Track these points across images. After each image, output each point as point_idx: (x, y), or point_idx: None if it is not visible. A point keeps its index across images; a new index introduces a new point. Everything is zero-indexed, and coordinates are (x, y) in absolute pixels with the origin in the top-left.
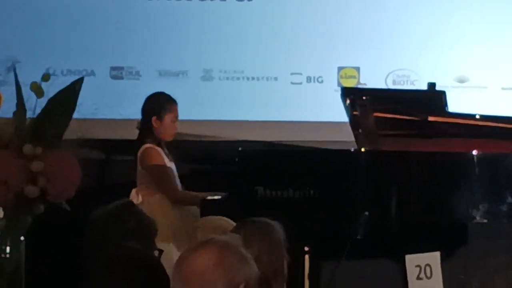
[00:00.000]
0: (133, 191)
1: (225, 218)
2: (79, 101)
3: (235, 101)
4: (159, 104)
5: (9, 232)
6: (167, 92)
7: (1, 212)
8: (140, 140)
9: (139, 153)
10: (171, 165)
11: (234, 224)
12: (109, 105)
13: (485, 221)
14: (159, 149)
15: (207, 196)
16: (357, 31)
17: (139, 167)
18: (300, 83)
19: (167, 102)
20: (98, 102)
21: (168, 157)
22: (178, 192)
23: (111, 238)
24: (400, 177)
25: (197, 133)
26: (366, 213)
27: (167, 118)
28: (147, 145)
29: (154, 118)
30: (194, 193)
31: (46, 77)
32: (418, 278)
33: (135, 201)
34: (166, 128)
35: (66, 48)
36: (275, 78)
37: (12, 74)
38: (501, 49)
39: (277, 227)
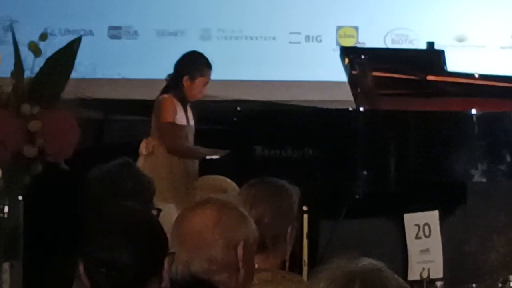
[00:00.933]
0: (144, 141)
1: (224, 177)
2: (77, 60)
3: (234, 61)
4: (195, 65)
5: (8, 192)
6: (165, 51)
7: None
8: (164, 92)
9: (155, 102)
10: (191, 122)
11: (233, 183)
12: (108, 64)
13: (484, 180)
14: (176, 102)
15: (206, 152)
16: None
17: (153, 116)
18: (299, 43)
19: (203, 64)
20: (96, 61)
21: (189, 115)
22: (176, 143)
23: (109, 197)
24: (399, 136)
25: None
26: (365, 172)
27: (199, 81)
28: (165, 95)
29: (186, 77)
30: (194, 147)
31: (44, 37)
32: (417, 237)
33: (144, 151)
34: (195, 90)
35: (64, 7)
36: (274, 38)
37: (10, 34)
38: (500, 8)
39: (292, 192)
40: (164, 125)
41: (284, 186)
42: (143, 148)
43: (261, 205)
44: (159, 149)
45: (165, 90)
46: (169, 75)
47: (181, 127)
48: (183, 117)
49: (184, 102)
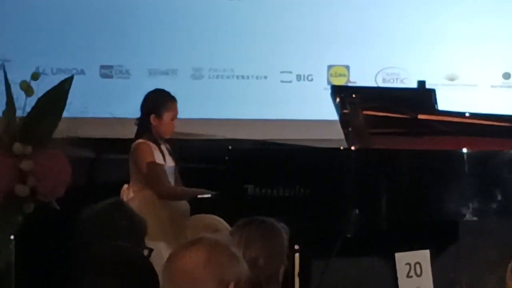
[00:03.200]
0: (125, 186)
1: (215, 216)
2: (69, 100)
3: (225, 100)
4: (158, 102)
5: None
6: None
7: None
8: (137, 137)
9: (131, 148)
10: (169, 162)
11: (224, 222)
12: (99, 104)
13: (475, 219)
14: (152, 144)
15: (196, 192)
16: (347, 30)
17: (130, 162)
18: (290, 82)
19: (166, 99)
20: (88, 101)
21: (165, 155)
22: (164, 187)
23: (101, 237)
24: (390, 175)
25: (187, 131)
26: (356, 211)
27: (166, 116)
28: (140, 140)
29: (152, 116)
30: (182, 188)
31: (35, 76)
32: (408, 276)
33: (125, 197)
34: (164, 126)
35: (56, 46)
36: (265, 77)
37: (1, 73)
38: (490, 47)
39: (283, 231)
40: (147, 169)
41: (275, 224)
42: (124, 194)
43: (255, 247)
44: (140, 193)
45: (137, 135)
46: (137, 119)
47: (160, 165)
48: (161, 159)
49: (157, 143)
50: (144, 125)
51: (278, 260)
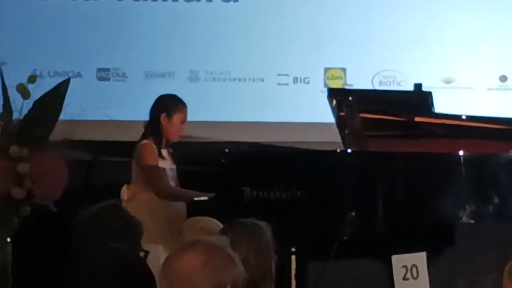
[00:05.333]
0: (124, 186)
1: (212, 219)
2: (66, 102)
3: (222, 102)
4: (169, 103)
5: None
6: (153, 93)
7: None
8: (142, 138)
9: (135, 149)
10: (170, 166)
11: (221, 225)
12: (96, 106)
13: (472, 221)
14: (154, 146)
15: (195, 194)
16: (344, 32)
17: (133, 163)
18: (287, 84)
19: (177, 102)
20: (85, 103)
21: (166, 158)
22: (165, 187)
23: (97, 239)
24: (387, 177)
25: (183, 134)
26: (353, 213)
27: (176, 117)
28: (144, 141)
29: (163, 115)
30: (182, 190)
31: (32, 79)
32: (405, 278)
33: (125, 196)
34: (173, 127)
35: (52, 49)
36: (262, 79)
37: None
38: (487, 50)
39: (265, 228)
40: (149, 169)
41: (255, 223)
42: (124, 194)
43: (243, 247)
44: (140, 194)
45: (143, 136)
46: (146, 122)
47: (164, 170)
48: (163, 162)
49: (159, 145)
50: (153, 126)
51: (267, 256)
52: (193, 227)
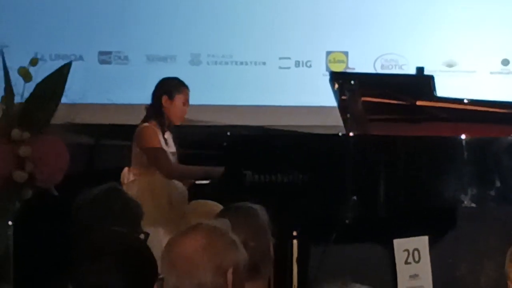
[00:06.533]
0: (125, 169)
1: (214, 202)
2: (67, 86)
3: (224, 86)
4: (170, 85)
5: None
6: (155, 76)
7: None
8: (144, 121)
9: (136, 132)
10: (172, 150)
11: (219, 207)
12: (98, 90)
13: (474, 205)
14: (156, 129)
15: (203, 170)
16: (346, 16)
17: (134, 146)
18: (289, 68)
19: (179, 84)
20: (86, 87)
21: (168, 141)
22: (174, 167)
23: (97, 222)
24: (389, 161)
25: (185, 117)
26: (355, 197)
27: (178, 99)
28: (145, 124)
29: (165, 97)
30: (190, 167)
31: (34, 62)
32: (406, 262)
33: (126, 179)
34: (176, 109)
35: (54, 32)
36: (264, 63)
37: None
38: (489, 34)
39: (261, 211)
40: (154, 151)
41: (252, 207)
42: (125, 177)
43: (241, 231)
44: (141, 177)
45: (145, 119)
46: (147, 105)
47: (164, 150)
48: (164, 145)
49: (162, 128)
50: (155, 108)
51: (266, 238)
52: (195, 211)
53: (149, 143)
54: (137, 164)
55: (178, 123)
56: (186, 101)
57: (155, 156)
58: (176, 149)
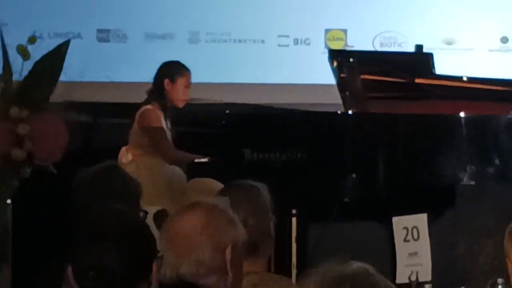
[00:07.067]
0: (123, 149)
1: (213, 180)
2: (66, 64)
3: (222, 64)
4: (172, 68)
5: None
6: (154, 55)
7: None
8: (146, 103)
9: (138, 113)
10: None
11: (219, 185)
12: (96, 68)
13: (473, 183)
14: (159, 111)
15: (195, 158)
16: None
17: (135, 126)
18: (287, 46)
19: (180, 67)
20: (85, 65)
21: (167, 123)
22: (175, 152)
23: (96, 200)
24: (387, 139)
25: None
26: (354, 175)
27: (180, 81)
28: (148, 106)
29: (167, 80)
30: (191, 155)
31: (32, 40)
32: (405, 240)
33: (124, 159)
34: (178, 92)
35: (52, 10)
36: (262, 41)
37: None
38: (488, 12)
39: (262, 189)
40: (156, 134)
41: (252, 184)
42: (122, 156)
43: (241, 209)
44: (139, 157)
45: (147, 101)
46: (149, 89)
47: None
48: (166, 129)
49: (165, 110)
50: (157, 91)
51: (266, 217)
52: (195, 188)
53: (153, 125)
54: (136, 144)
55: (180, 105)
56: (188, 84)
57: (158, 138)
58: (171, 128)
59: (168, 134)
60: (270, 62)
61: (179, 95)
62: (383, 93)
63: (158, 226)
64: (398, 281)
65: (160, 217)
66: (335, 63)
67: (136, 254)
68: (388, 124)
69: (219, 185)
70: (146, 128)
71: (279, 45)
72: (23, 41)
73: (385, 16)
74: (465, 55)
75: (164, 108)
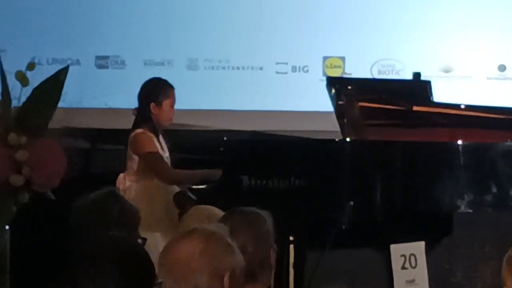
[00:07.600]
0: (121, 175)
1: (211, 207)
2: (65, 90)
3: (220, 91)
4: (157, 90)
5: None
6: None
7: None
8: (135, 127)
9: (130, 138)
10: (166, 152)
11: (221, 212)
12: (95, 94)
13: (470, 211)
14: (151, 134)
15: (202, 173)
16: (343, 21)
17: (129, 152)
18: (285, 73)
19: (164, 87)
20: (84, 91)
21: (163, 145)
22: (173, 172)
23: (95, 227)
24: (385, 167)
25: (182, 122)
26: (351, 202)
27: (166, 104)
28: (139, 130)
29: (152, 105)
30: (189, 171)
31: (31, 66)
32: (403, 267)
33: (121, 186)
34: (164, 114)
35: (51, 37)
36: (261, 68)
37: None
38: (486, 40)
39: (266, 217)
40: (151, 157)
41: (256, 211)
42: (120, 183)
43: (241, 235)
44: (137, 183)
45: (135, 125)
46: (135, 109)
47: (163, 156)
48: (159, 149)
49: (156, 132)
50: (144, 114)
51: (266, 245)
52: (193, 215)
53: (146, 148)
54: (132, 169)
55: (167, 125)
56: (173, 102)
57: (154, 162)
58: (169, 153)
59: (164, 155)
60: (268, 89)
61: (165, 116)
62: (381, 120)
63: (179, 206)
64: None
65: (181, 199)
66: (333, 91)
67: (134, 280)
68: (386, 152)
69: (220, 212)
70: (139, 152)
71: (277, 72)
72: (22, 67)
73: (383, 44)
74: (463, 83)
75: (154, 130)
